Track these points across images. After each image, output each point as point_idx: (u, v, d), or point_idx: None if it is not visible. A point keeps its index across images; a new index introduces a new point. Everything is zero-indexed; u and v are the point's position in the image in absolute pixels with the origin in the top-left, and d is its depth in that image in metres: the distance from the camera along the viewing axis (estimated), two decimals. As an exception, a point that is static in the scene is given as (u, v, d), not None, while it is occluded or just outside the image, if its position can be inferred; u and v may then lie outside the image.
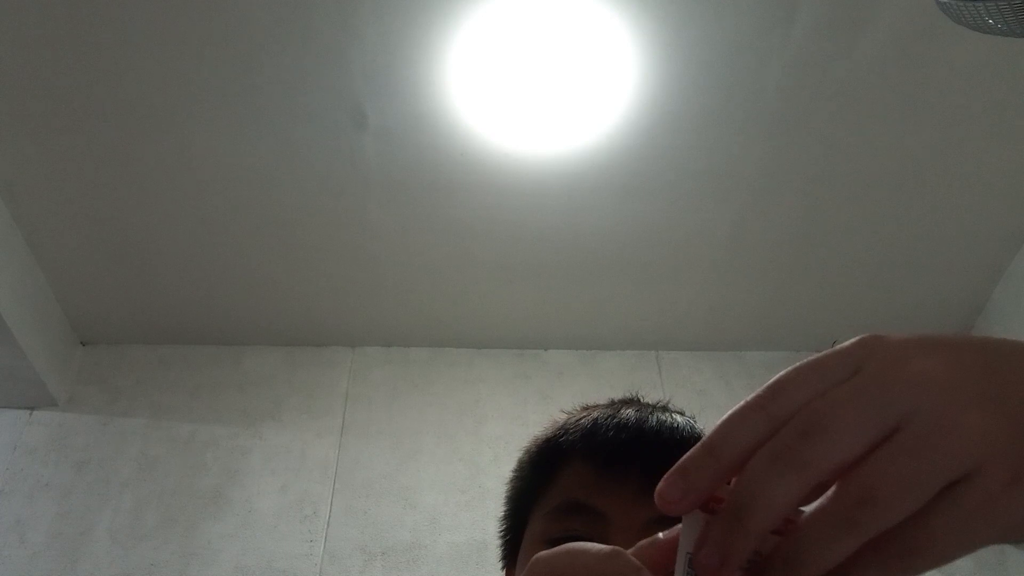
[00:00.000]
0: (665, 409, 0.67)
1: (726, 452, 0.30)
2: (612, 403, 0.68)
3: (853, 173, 1.83)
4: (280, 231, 1.92)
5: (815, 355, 0.31)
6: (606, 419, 0.63)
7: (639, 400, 0.68)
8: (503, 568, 0.67)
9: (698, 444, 0.31)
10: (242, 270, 2.02)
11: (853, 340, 0.31)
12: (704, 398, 2.15)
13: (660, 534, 0.35)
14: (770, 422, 0.30)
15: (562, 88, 1.64)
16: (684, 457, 0.31)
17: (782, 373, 0.31)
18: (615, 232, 1.94)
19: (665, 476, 0.30)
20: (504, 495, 0.69)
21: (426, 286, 2.06)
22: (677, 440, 0.61)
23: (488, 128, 1.72)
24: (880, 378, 0.29)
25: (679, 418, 0.64)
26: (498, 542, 0.69)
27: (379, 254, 1.98)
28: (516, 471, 0.68)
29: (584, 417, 0.64)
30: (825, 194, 1.88)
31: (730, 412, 0.31)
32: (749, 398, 0.31)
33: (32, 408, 2.05)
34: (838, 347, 0.31)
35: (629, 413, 0.63)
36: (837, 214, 1.92)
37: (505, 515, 0.68)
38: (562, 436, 0.63)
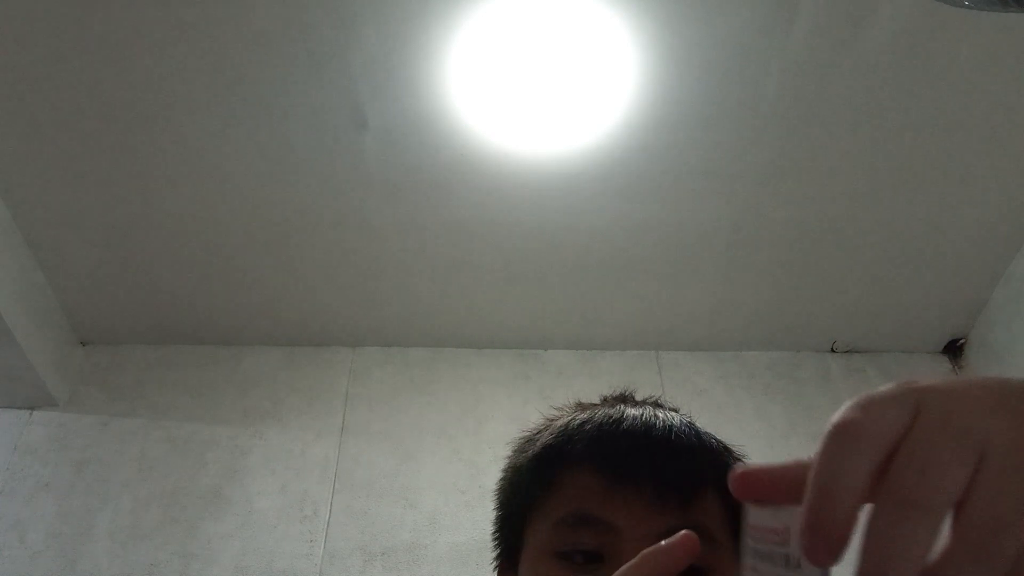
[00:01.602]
0: (658, 406, 0.66)
1: (847, 496, 0.29)
2: (606, 401, 0.67)
3: (853, 173, 1.83)
4: (280, 231, 1.92)
5: (866, 395, 0.31)
6: (612, 425, 0.61)
7: (633, 397, 0.67)
8: (495, 569, 0.67)
9: (814, 494, 0.30)
10: (242, 270, 2.02)
11: (892, 385, 0.31)
12: (704, 398, 2.15)
13: (675, 537, 0.35)
14: (866, 454, 0.29)
15: (562, 88, 1.64)
16: (809, 512, 0.30)
17: (850, 407, 0.30)
18: (615, 232, 1.94)
19: (808, 539, 0.30)
20: (496, 494, 0.68)
21: (426, 286, 2.06)
22: (685, 447, 0.60)
23: (488, 128, 1.72)
24: (950, 412, 0.29)
25: (678, 418, 0.63)
26: (492, 541, 0.67)
27: (379, 254, 1.98)
28: (511, 473, 0.66)
29: (587, 421, 0.62)
30: (825, 194, 1.88)
31: (823, 450, 0.30)
32: (834, 430, 0.30)
33: (32, 408, 2.05)
34: (882, 390, 0.31)
35: (633, 417, 0.61)
36: (837, 214, 1.92)
37: (500, 517, 0.67)
38: (566, 443, 0.61)
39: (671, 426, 0.61)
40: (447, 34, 1.56)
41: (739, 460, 0.65)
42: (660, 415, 0.62)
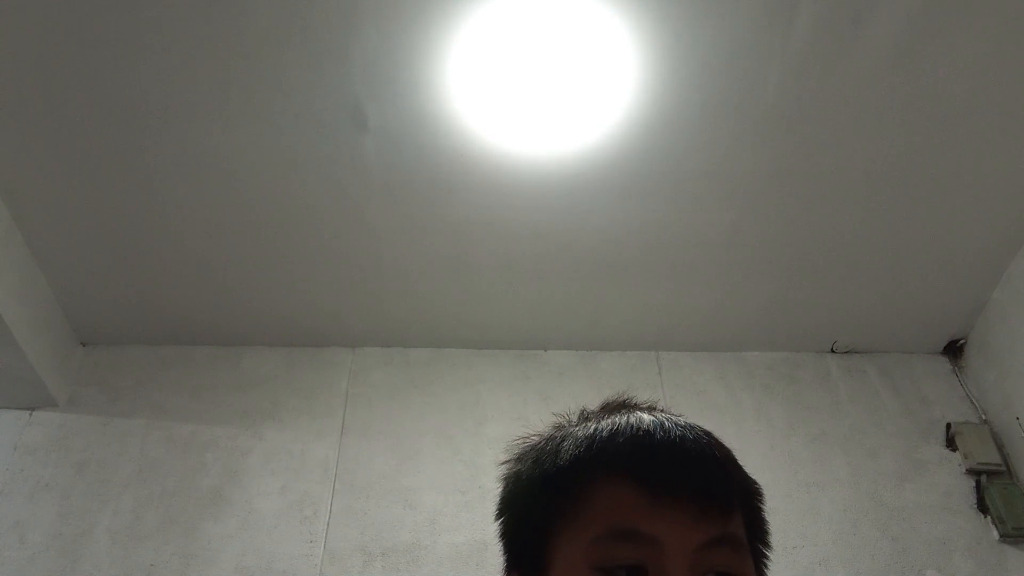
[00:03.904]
0: (654, 409, 0.65)
1: None
2: (609, 407, 0.66)
3: (853, 173, 1.83)
4: (280, 231, 1.92)
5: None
6: (644, 437, 0.60)
7: (635, 403, 0.67)
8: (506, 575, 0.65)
9: None
10: (242, 270, 2.01)
11: None
12: (704, 399, 2.15)
13: None
14: None
15: (562, 88, 1.64)
16: None
17: None
18: (615, 232, 1.94)
19: None
20: (504, 503, 0.67)
21: (426, 286, 2.06)
22: (719, 459, 0.60)
23: (488, 128, 1.72)
24: None
25: (699, 427, 0.62)
26: (499, 545, 0.66)
27: (379, 254, 1.98)
28: (527, 484, 0.64)
29: (616, 433, 0.61)
30: (825, 194, 1.88)
31: None
32: None
33: (32, 409, 2.05)
34: None
35: (659, 427, 0.60)
36: (837, 214, 1.92)
37: (512, 527, 0.65)
38: (599, 456, 0.60)
39: (699, 437, 0.61)
40: (447, 34, 1.56)
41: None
42: (680, 424, 0.62)
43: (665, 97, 1.67)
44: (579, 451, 0.61)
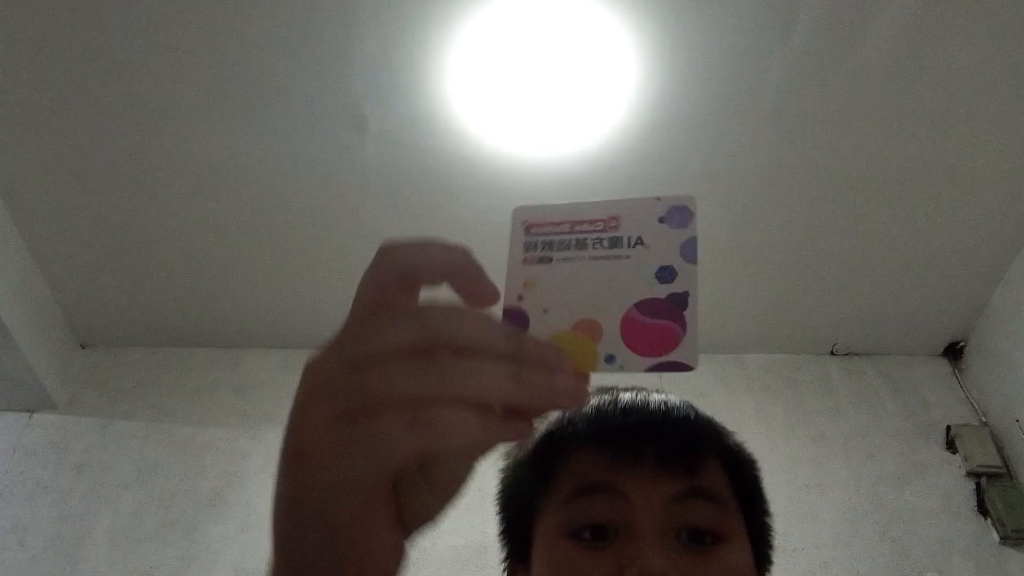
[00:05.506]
0: (638, 389, 0.66)
1: None
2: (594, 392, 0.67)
3: (853, 176, 1.83)
4: (280, 232, 1.92)
5: None
6: (609, 405, 0.61)
7: (616, 388, 0.68)
8: (505, 572, 0.66)
9: None
10: (241, 272, 2.01)
11: None
12: (704, 401, 2.12)
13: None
14: None
15: (562, 91, 1.64)
16: None
17: None
18: (615, 234, 1.94)
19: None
20: (498, 497, 0.68)
21: (425, 287, 2.06)
22: (683, 416, 0.62)
23: (487, 130, 1.72)
24: None
25: (673, 396, 0.64)
26: (499, 544, 0.67)
27: (379, 256, 1.98)
28: (512, 471, 0.66)
29: (584, 407, 0.62)
30: (825, 197, 1.88)
31: None
32: None
33: (32, 411, 2.04)
34: None
35: (629, 396, 0.62)
36: (837, 217, 1.92)
37: (505, 517, 0.66)
38: (566, 427, 0.61)
39: (666, 400, 0.63)
40: (447, 36, 1.56)
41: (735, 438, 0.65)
42: (654, 393, 0.63)
43: (665, 99, 1.67)
44: (549, 427, 0.63)
